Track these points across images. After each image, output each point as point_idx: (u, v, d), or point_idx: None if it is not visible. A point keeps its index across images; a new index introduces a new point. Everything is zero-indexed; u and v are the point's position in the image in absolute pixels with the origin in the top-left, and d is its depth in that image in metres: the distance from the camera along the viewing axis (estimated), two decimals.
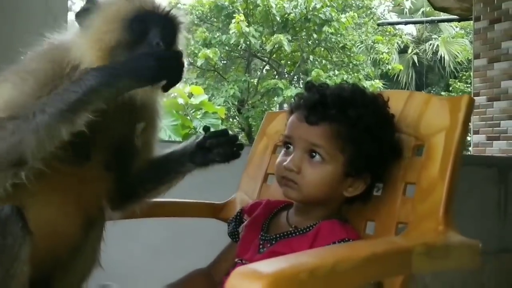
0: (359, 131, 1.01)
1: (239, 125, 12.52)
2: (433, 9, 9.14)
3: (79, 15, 1.05)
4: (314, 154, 1.03)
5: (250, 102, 11.81)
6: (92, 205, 1.11)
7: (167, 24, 1.02)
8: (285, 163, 1.05)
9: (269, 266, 0.57)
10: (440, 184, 0.97)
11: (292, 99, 1.15)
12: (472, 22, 5.43)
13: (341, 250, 0.71)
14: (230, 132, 1.16)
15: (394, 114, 1.10)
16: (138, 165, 1.16)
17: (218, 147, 1.11)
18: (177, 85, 1.01)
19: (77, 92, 0.90)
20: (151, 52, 0.96)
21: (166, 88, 1.00)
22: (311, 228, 1.04)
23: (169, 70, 0.95)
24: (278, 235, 1.06)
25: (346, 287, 0.61)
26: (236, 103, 11.76)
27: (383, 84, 12.45)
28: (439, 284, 2.78)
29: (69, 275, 1.09)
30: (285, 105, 12.51)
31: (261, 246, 1.07)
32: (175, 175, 1.19)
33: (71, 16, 2.17)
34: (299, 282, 0.55)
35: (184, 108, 5.72)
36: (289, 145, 1.07)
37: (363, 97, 1.08)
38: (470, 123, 1.06)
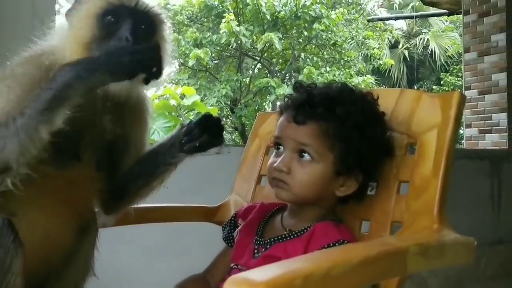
0: (348, 128, 1.01)
1: (233, 125, 12.51)
2: (422, 4, 9.16)
3: (68, 15, 1.07)
4: (303, 154, 1.03)
5: (242, 101, 11.81)
6: (84, 207, 1.10)
7: (139, 17, 1.02)
8: (275, 164, 1.04)
9: (263, 273, 0.56)
10: (434, 182, 0.97)
11: (283, 100, 1.15)
12: (461, 16, 5.44)
13: (335, 254, 0.70)
14: (213, 115, 1.15)
15: (386, 112, 1.10)
16: (129, 163, 1.15)
17: (204, 134, 1.10)
18: (159, 78, 1.00)
19: (52, 89, 0.90)
20: (124, 46, 0.96)
21: (146, 81, 1.00)
22: (305, 230, 1.03)
23: (144, 63, 0.95)
24: (272, 239, 1.06)
25: None
26: (228, 102, 11.76)
27: (375, 79, 12.49)
28: (434, 277, 2.79)
29: (63, 283, 1.08)
30: (278, 103, 12.52)
31: (256, 251, 1.07)
32: (166, 167, 1.16)
33: (58, 19, 2.15)
34: None
35: (176, 110, 5.69)
36: (280, 146, 1.07)
37: (351, 95, 1.07)
38: (462, 118, 1.06)
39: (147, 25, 1.04)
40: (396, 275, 0.74)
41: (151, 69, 0.97)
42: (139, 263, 2.02)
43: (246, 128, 11.95)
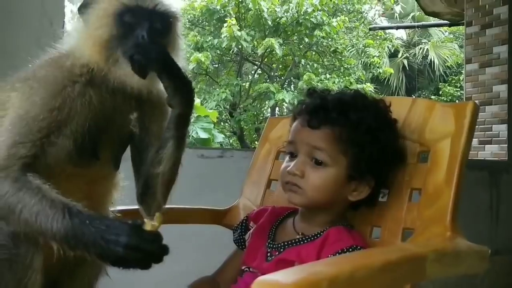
0: (361, 133, 1.02)
1: (231, 129, 12.51)
2: (423, 14, 9.22)
3: (81, 9, 1.07)
4: (317, 158, 1.03)
5: (242, 105, 11.81)
6: (101, 205, 1.10)
7: (156, 17, 1.03)
8: (288, 168, 1.05)
9: (290, 275, 0.57)
10: (447, 190, 0.98)
11: (296, 105, 1.16)
12: (462, 27, 5.48)
13: (358, 258, 0.71)
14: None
15: (398, 120, 1.11)
16: (152, 158, 1.13)
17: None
18: None
19: (46, 225, 0.90)
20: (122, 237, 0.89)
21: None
22: (318, 235, 1.04)
23: (136, 260, 0.91)
24: (286, 243, 1.06)
25: None
26: (228, 106, 11.76)
27: (374, 87, 12.52)
28: (431, 286, 2.80)
29: (77, 282, 1.08)
30: (277, 109, 12.54)
31: (268, 254, 1.07)
32: (174, 141, 1.09)
33: (67, 20, 2.16)
34: None
35: None
36: (293, 151, 1.08)
37: (364, 101, 1.09)
38: (475, 127, 1.07)
39: (163, 25, 1.05)
40: (415, 281, 0.75)
41: (148, 267, 0.93)
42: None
43: (245, 133, 11.95)
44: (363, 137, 1.02)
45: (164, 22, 1.05)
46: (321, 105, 1.06)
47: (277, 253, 1.06)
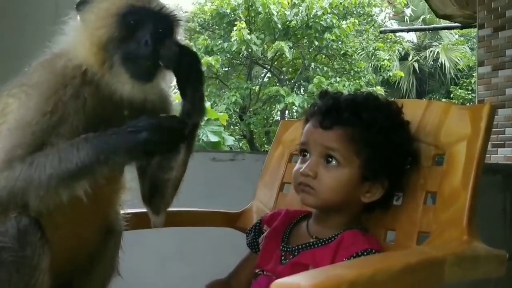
0: (374, 134, 1.02)
1: (241, 132, 12.53)
2: (434, 17, 9.17)
3: (79, 6, 1.03)
4: (330, 159, 1.03)
5: (251, 109, 11.84)
6: (108, 207, 1.11)
7: (160, 21, 0.99)
8: (301, 169, 1.05)
9: (309, 278, 0.56)
10: (463, 193, 0.97)
11: (309, 107, 1.16)
12: (473, 29, 5.44)
13: (377, 261, 0.70)
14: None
15: (413, 123, 1.10)
16: (160, 163, 1.13)
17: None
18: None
19: (72, 165, 0.91)
20: (152, 122, 0.94)
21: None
22: (333, 238, 1.03)
23: (169, 145, 0.95)
24: (300, 246, 1.06)
25: None
26: (237, 110, 11.78)
27: (385, 91, 12.46)
28: None
29: (90, 282, 1.09)
30: (287, 112, 12.54)
31: (283, 258, 1.07)
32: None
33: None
34: None
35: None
36: (306, 153, 1.08)
37: (377, 101, 1.09)
38: (491, 129, 1.07)
39: (167, 28, 1.02)
40: (433, 284, 0.74)
41: (176, 150, 0.98)
42: (151, 268, 2.02)
43: (255, 136, 11.96)
44: (376, 137, 1.02)
45: (168, 25, 1.02)
46: (334, 106, 1.06)
47: (291, 256, 1.06)
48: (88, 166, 0.91)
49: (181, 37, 1.08)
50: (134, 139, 0.91)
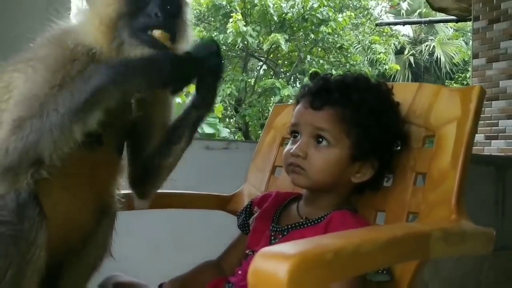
0: (363, 114, 1.03)
1: (236, 124, 12.52)
2: (429, 10, 9.17)
3: None
4: (320, 139, 1.04)
5: (247, 101, 11.82)
6: (105, 190, 1.10)
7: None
8: (291, 150, 1.05)
9: (294, 247, 0.57)
10: (452, 174, 0.98)
11: (299, 89, 1.16)
12: (469, 22, 5.45)
13: (364, 233, 0.71)
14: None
15: (404, 106, 1.11)
16: (154, 144, 1.13)
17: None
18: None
19: (86, 92, 0.89)
20: (166, 53, 0.95)
21: (174, 92, 1.02)
22: (322, 218, 1.04)
23: (184, 77, 0.97)
24: (289, 226, 1.06)
25: (368, 268, 0.61)
26: (233, 102, 11.77)
27: None
28: (438, 282, 2.79)
29: (81, 262, 1.09)
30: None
31: (272, 237, 1.07)
32: (186, 126, 1.12)
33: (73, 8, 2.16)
34: (325, 262, 0.55)
35: (181, 107, 5.69)
36: (296, 134, 1.08)
37: (367, 82, 1.09)
38: (481, 112, 1.07)
39: (174, 5, 1.01)
40: (420, 258, 0.75)
41: (189, 83, 0.98)
42: (145, 253, 2.02)
43: (250, 128, 11.95)
44: (366, 117, 1.03)
45: (175, 4, 1.03)
46: (324, 87, 1.07)
47: (281, 236, 1.06)
48: (102, 89, 0.90)
49: (189, 17, 1.08)
50: (156, 65, 0.92)
